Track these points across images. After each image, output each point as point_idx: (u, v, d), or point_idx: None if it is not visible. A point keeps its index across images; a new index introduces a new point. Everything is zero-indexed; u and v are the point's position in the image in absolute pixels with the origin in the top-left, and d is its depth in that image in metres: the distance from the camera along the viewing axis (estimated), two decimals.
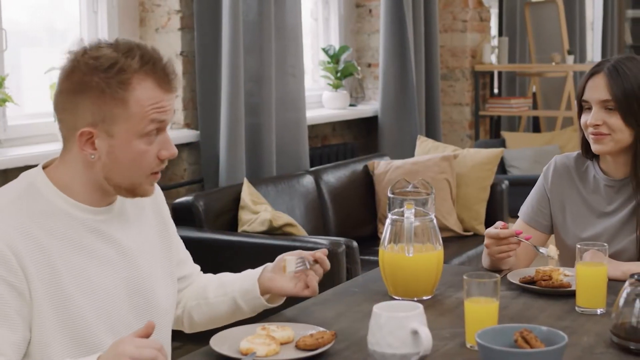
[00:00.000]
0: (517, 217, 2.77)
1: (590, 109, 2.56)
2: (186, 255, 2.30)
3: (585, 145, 2.65)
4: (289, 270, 2.17)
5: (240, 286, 2.22)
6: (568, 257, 2.63)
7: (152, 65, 1.91)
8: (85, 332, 1.91)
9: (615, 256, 2.57)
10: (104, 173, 1.93)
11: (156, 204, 2.17)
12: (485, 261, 2.60)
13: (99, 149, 1.91)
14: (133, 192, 1.98)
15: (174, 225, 2.24)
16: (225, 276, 2.30)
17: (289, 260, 2.18)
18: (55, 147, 3.94)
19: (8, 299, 1.83)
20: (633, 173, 2.57)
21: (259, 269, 2.25)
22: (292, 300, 2.38)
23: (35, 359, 1.87)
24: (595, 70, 2.57)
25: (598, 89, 2.53)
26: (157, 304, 2.07)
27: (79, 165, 1.94)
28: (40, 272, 1.86)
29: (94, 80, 1.87)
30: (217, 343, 1.95)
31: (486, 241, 2.50)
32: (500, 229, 2.46)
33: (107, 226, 1.99)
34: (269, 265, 2.25)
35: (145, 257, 2.06)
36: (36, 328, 1.86)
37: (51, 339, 1.87)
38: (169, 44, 4.54)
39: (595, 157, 2.66)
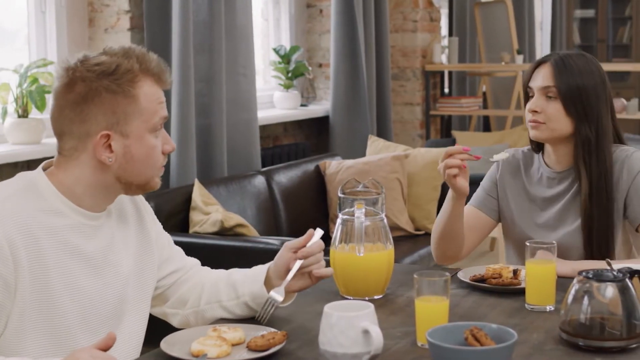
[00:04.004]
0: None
1: (533, 96, 2.62)
2: (173, 251, 2.28)
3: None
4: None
5: (250, 290, 2.20)
6: (519, 251, 2.66)
7: (148, 64, 2.00)
8: (63, 331, 1.93)
9: (559, 247, 2.60)
10: (118, 174, 1.99)
11: (137, 210, 2.18)
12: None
13: (115, 151, 1.96)
14: (144, 187, 2.04)
15: (158, 227, 2.23)
16: (235, 274, 2.27)
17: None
18: (3, 149, 3.89)
19: None
20: (574, 162, 2.62)
21: (264, 271, 2.22)
22: None
23: (5, 351, 1.88)
24: (542, 60, 2.63)
25: (542, 77, 2.60)
26: (128, 310, 2.08)
27: (86, 171, 1.98)
28: (32, 265, 1.88)
29: (102, 84, 1.94)
30: (168, 345, 1.94)
31: (440, 159, 2.49)
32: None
33: (97, 231, 2.02)
34: (271, 266, 2.23)
35: (125, 263, 2.08)
36: (14, 320, 1.87)
37: (27, 333, 1.89)
38: (119, 45, 4.49)
39: (542, 151, 2.70)
